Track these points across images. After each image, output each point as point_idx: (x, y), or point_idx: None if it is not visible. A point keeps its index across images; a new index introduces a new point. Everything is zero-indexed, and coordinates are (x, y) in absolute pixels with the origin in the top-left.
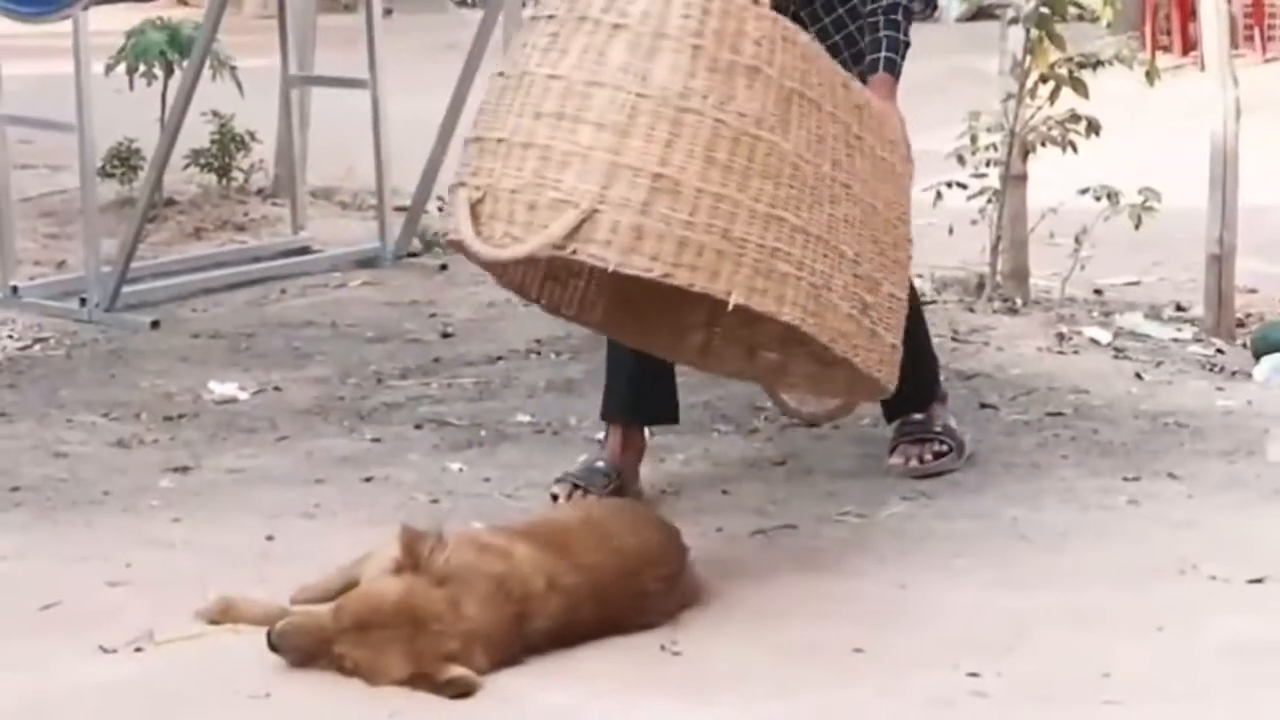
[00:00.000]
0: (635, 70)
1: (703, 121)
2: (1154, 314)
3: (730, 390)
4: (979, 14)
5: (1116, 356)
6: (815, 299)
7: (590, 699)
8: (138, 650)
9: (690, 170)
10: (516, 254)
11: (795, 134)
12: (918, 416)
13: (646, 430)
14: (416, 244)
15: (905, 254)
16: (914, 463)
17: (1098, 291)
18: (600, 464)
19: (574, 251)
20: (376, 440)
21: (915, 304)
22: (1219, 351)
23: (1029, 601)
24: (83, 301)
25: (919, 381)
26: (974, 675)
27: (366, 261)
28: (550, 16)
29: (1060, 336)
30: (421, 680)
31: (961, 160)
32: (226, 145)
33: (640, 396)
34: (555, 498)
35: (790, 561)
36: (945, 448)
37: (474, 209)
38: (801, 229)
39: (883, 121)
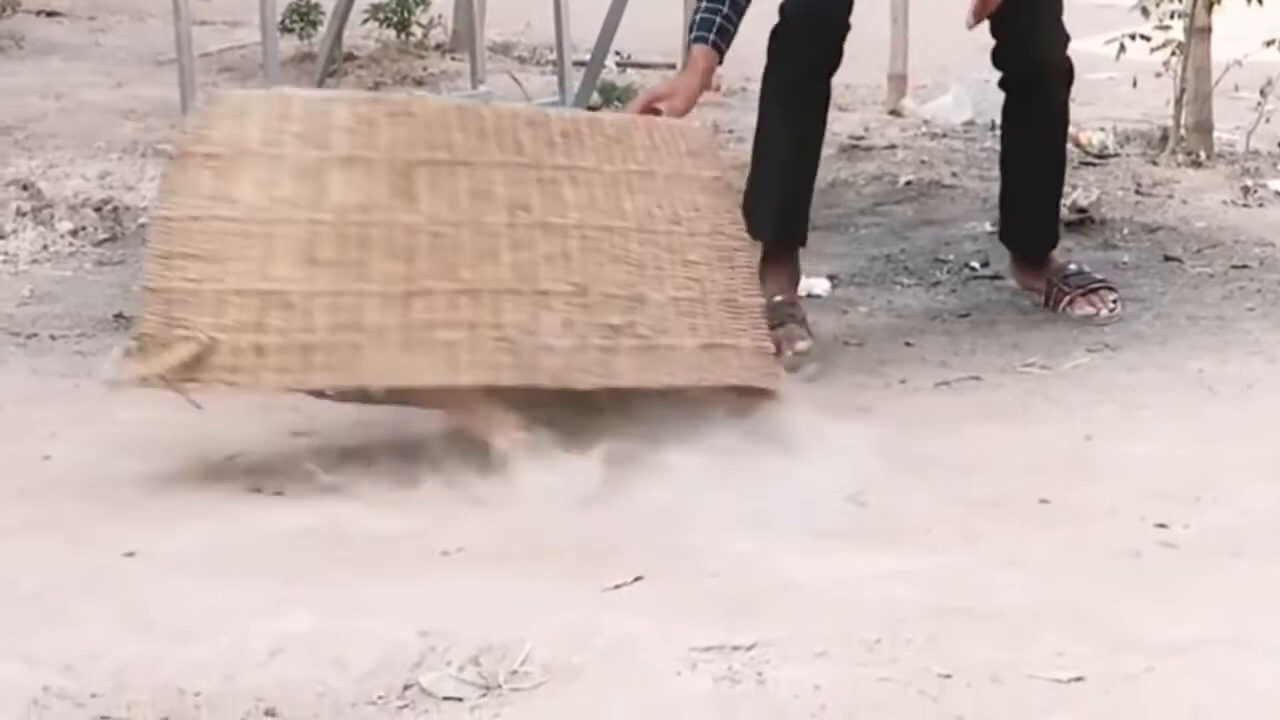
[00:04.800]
0: (222, 195)
1: (295, 228)
2: None
3: (913, 244)
4: None
5: None
6: (511, 351)
7: (774, 549)
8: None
9: (296, 278)
10: (134, 382)
11: (428, 203)
12: (1074, 266)
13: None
14: (596, 98)
15: (705, 252)
16: (1104, 310)
17: None
18: (778, 298)
19: (202, 380)
20: None
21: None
22: None
23: (1216, 453)
24: None
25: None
26: (1161, 526)
27: None
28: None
29: (1245, 190)
30: None
31: (1145, 13)
32: (405, 0)
33: (789, 213)
34: None
35: (975, 413)
36: (1115, 294)
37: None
38: (468, 290)
39: (643, 130)
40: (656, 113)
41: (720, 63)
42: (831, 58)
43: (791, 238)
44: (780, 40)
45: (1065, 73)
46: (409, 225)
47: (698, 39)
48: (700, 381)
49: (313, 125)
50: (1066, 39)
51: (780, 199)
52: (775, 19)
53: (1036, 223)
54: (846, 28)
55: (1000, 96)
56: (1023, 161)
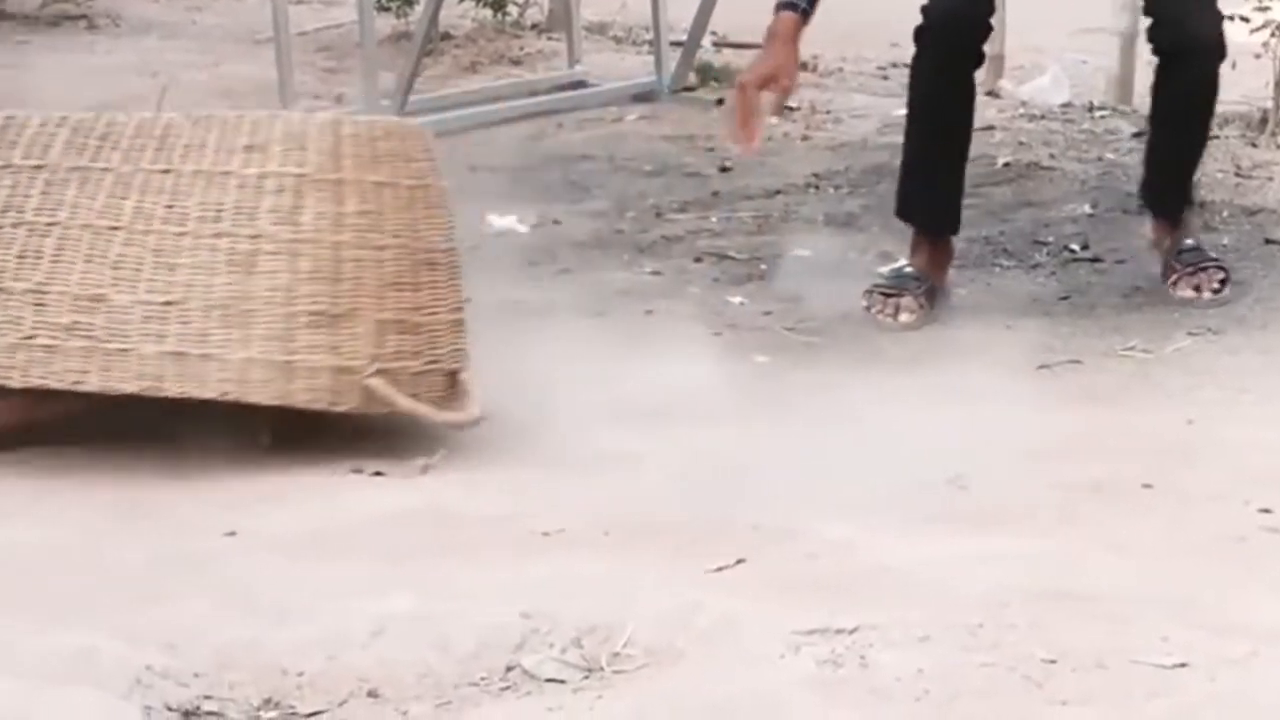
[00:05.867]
0: None
1: None
2: None
3: (1012, 225)
4: None
5: None
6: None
7: (874, 532)
8: (422, 473)
9: None
10: None
11: None
12: (1190, 243)
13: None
14: (692, 78)
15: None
16: (1206, 294)
17: None
18: (910, 269)
19: None
20: (656, 273)
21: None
22: None
23: None
24: None
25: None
26: (1265, 511)
27: (642, 95)
28: None
29: None
30: None
31: None
32: None
33: (934, 202)
34: (867, 309)
35: (1075, 397)
36: (1224, 274)
37: None
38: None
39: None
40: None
41: (806, 24)
42: (971, 57)
43: (937, 225)
44: (922, 40)
45: (1217, 49)
46: None
47: (787, 5)
48: (160, 390)
49: None
50: (1220, 17)
51: (924, 190)
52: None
53: (1172, 184)
54: (987, 28)
55: (1095, 77)
56: (1168, 128)
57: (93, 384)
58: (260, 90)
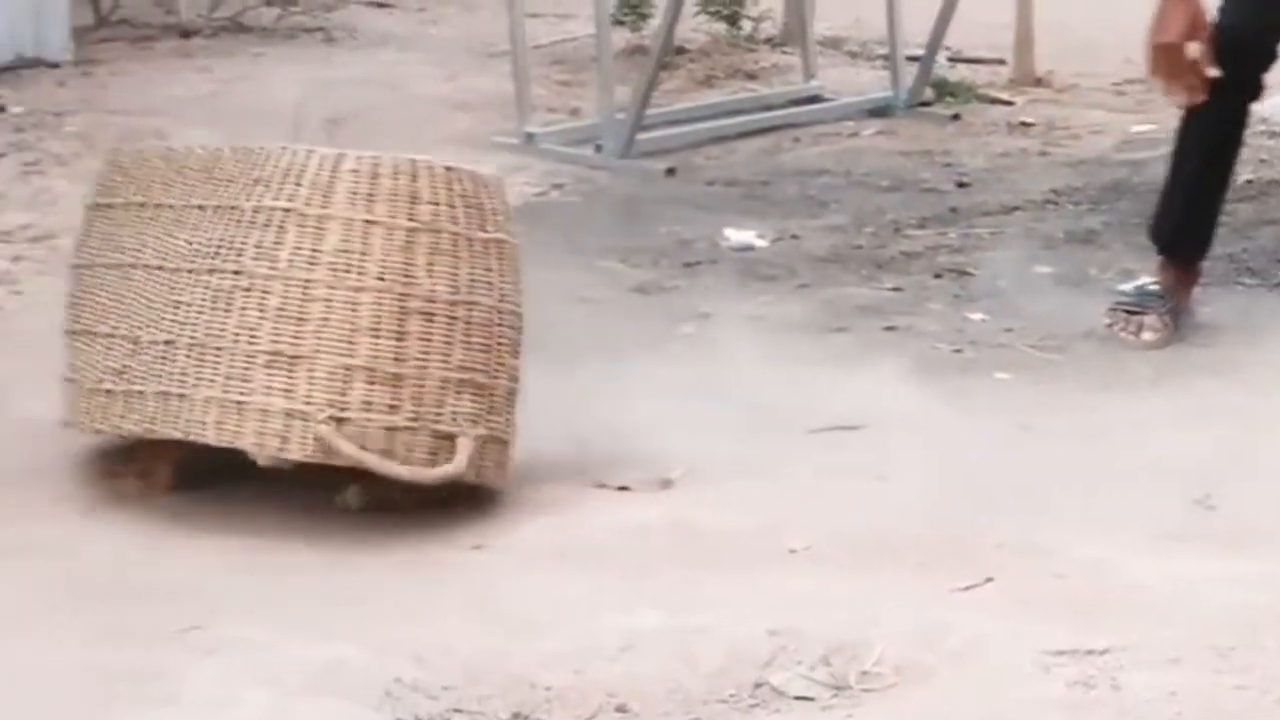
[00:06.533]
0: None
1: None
2: None
3: (1255, 243)
4: None
5: None
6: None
7: (1122, 551)
8: (665, 488)
9: None
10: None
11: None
12: None
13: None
14: (928, 93)
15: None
16: None
17: None
18: (1154, 286)
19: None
20: (896, 289)
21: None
22: None
23: None
24: (598, 148)
25: None
26: None
27: (878, 110)
28: None
29: None
30: None
31: None
32: None
33: (1183, 231)
34: (1110, 326)
35: None
36: None
37: None
38: (162, 341)
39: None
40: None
41: None
42: (1252, 87)
43: (1185, 251)
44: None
45: None
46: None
47: None
48: (154, 432)
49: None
50: None
51: (1178, 215)
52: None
53: None
54: (1272, 58)
55: None
56: None
57: (130, 428)
58: (496, 103)
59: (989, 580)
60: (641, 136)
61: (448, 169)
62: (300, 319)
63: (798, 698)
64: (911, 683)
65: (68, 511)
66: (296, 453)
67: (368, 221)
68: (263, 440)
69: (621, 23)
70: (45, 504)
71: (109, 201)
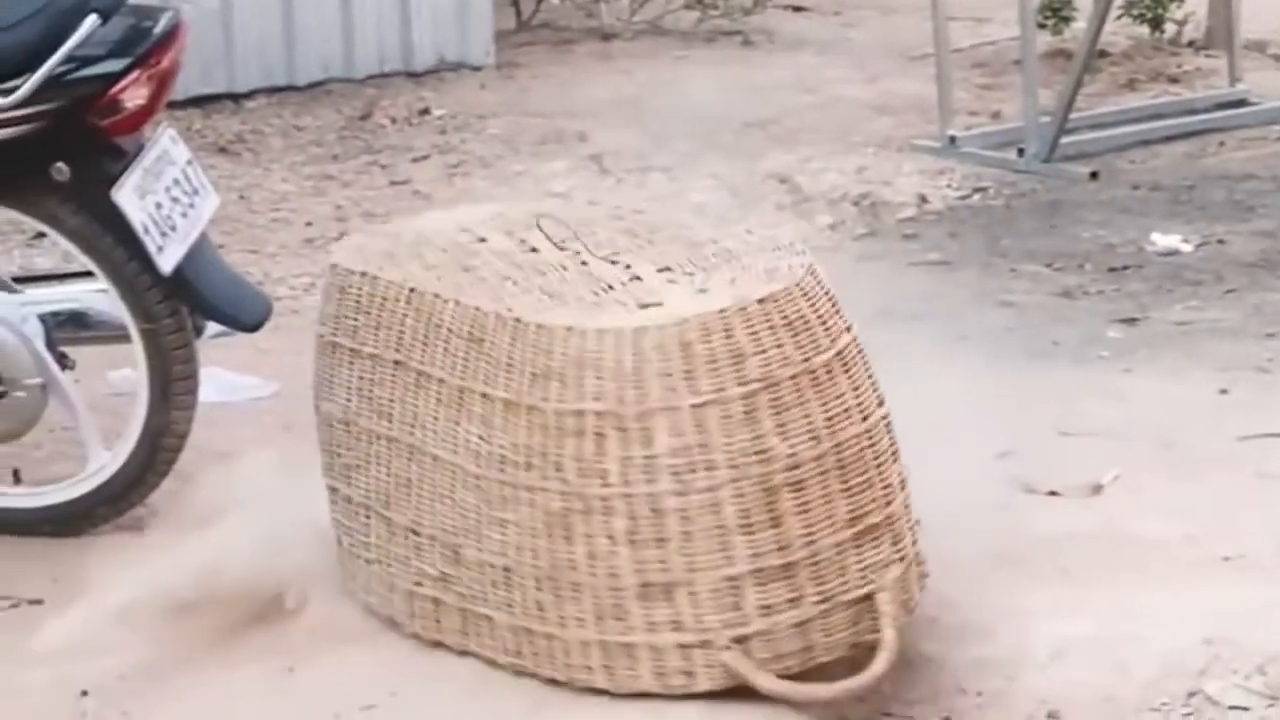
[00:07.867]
0: None
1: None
2: None
3: None
4: None
5: None
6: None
7: None
8: (1095, 494)
9: None
10: None
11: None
12: None
13: None
14: None
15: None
16: None
17: None
18: None
19: None
20: None
21: None
22: None
23: None
24: (1020, 152)
25: None
26: None
27: None
28: None
29: None
30: None
31: None
32: None
33: None
34: None
35: None
36: None
37: None
38: (499, 567)
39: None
40: None
41: None
42: None
43: None
44: None
45: None
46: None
47: None
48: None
49: None
50: None
51: None
52: None
53: None
54: None
55: None
56: None
57: (490, 654)
58: (917, 106)
59: None
60: (1065, 140)
61: (759, 301)
62: (659, 541)
63: (1232, 707)
64: None
65: None
66: (705, 684)
67: (695, 406)
68: (664, 680)
69: (1043, 26)
70: None
71: (353, 346)
